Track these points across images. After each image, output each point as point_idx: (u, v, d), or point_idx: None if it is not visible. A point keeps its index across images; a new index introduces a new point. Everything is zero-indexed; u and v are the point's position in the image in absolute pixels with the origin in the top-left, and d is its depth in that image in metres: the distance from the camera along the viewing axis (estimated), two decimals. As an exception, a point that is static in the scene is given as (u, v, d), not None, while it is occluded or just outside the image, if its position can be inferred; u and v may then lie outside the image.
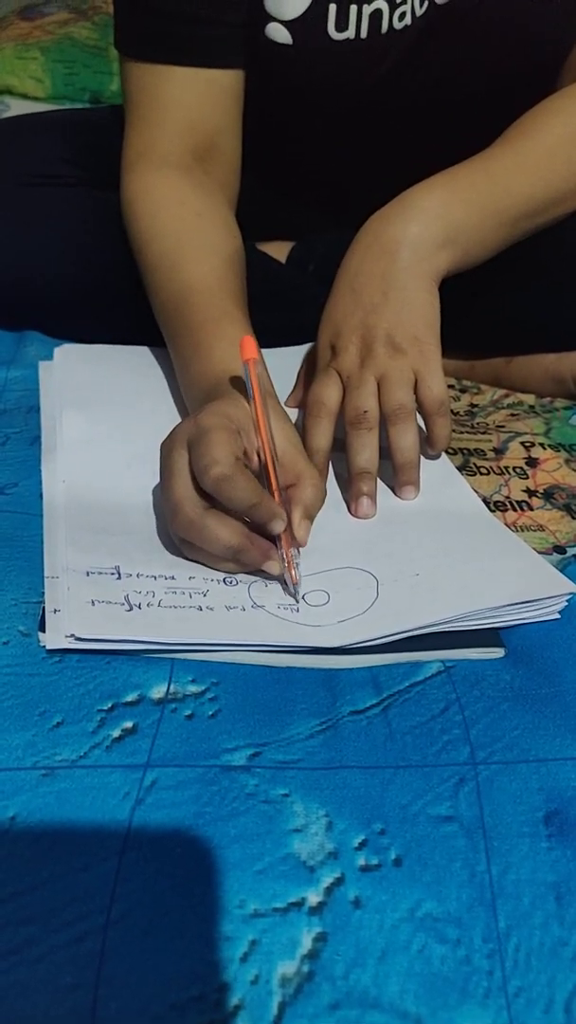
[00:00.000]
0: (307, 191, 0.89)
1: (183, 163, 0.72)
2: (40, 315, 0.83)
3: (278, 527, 0.51)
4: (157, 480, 0.54)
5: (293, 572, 0.51)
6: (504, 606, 0.51)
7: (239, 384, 0.57)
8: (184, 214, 0.71)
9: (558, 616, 0.53)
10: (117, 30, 0.73)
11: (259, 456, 0.53)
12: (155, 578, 0.51)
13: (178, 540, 0.53)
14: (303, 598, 0.51)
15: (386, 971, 0.35)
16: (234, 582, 0.52)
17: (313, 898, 0.37)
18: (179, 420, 0.57)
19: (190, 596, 0.50)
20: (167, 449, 0.53)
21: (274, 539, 0.52)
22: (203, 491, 0.50)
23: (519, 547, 0.57)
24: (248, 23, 0.70)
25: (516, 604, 0.51)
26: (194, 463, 0.50)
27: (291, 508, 0.53)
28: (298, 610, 0.50)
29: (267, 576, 0.52)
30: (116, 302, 0.79)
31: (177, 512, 0.50)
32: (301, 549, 0.54)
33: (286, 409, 0.60)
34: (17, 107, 1.51)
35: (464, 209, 0.64)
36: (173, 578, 0.51)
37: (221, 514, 0.51)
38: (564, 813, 0.41)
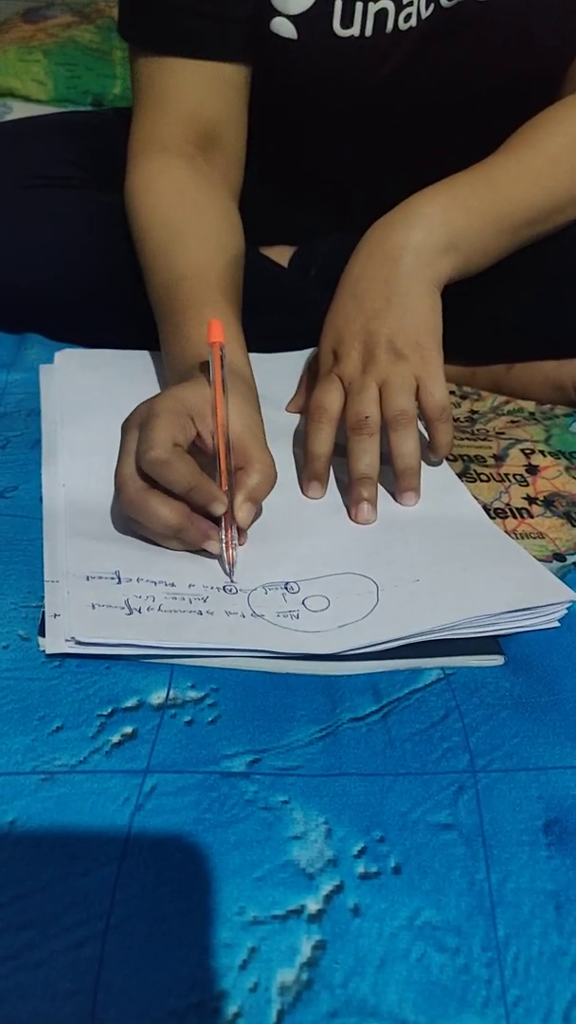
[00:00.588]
0: (310, 193, 0.89)
1: (185, 151, 0.73)
2: (41, 317, 0.83)
3: (218, 510, 0.53)
4: None
5: (230, 552, 0.53)
6: (503, 613, 0.51)
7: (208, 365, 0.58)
8: (184, 202, 0.72)
9: (558, 624, 0.53)
10: (121, 18, 0.73)
11: (214, 439, 0.55)
12: (155, 584, 0.51)
13: (126, 517, 0.54)
14: (303, 603, 0.51)
15: (385, 979, 0.35)
16: (233, 590, 0.52)
17: (312, 905, 0.37)
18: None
19: (190, 602, 0.50)
20: (123, 428, 0.55)
21: (217, 521, 0.54)
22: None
23: (519, 554, 0.57)
24: (254, 17, 0.70)
25: (516, 611, 0.51)
26: (136, 445, 0.52)
27: (235, 491, 0.54)
28: (298, 616, 0.50)
29: (210, 556, 0.54)
30: (118, 305, 0.79)
31: (120, 490, 0.53)
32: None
33: (274, 417, 0.61)
34: (19, 110, 1.51)
35: (466, 216, 0.65)
36: (173, 584, 0.51)
37: (162, 494, 0.52)
38: (564, 822, 0.41)
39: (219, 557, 0.54)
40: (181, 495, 0.52)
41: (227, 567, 0.53)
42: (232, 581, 0.53)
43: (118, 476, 0.53)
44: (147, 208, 0.72)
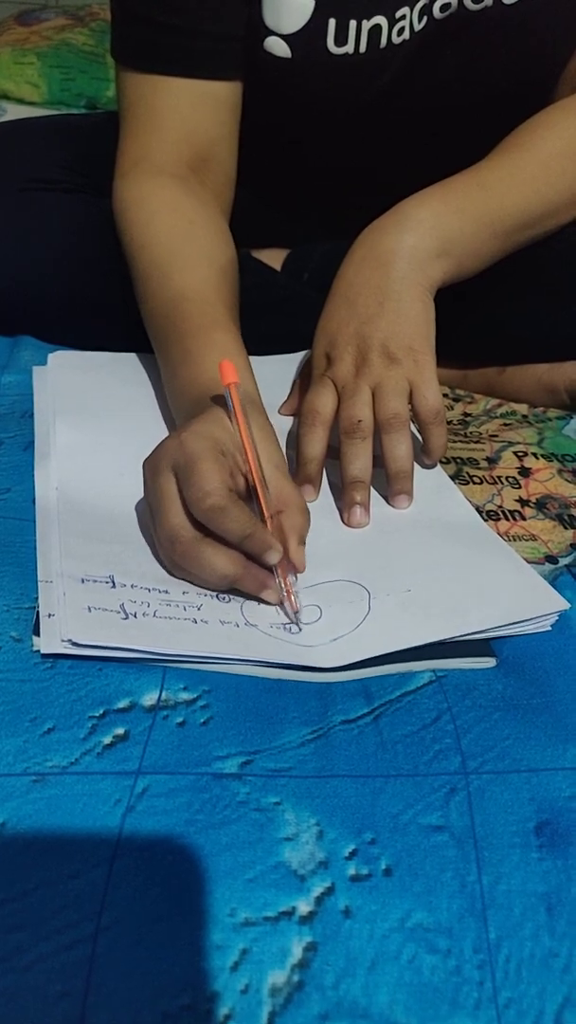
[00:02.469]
0: (304, 202, 0.89)
1: (178, 172, 0.72)
2: (34, 320, 0.83)
3: (273, 558, 0.50)
4: (149, 520, 0.53)
5: (292, 600, 0.51)
6: (494, 628, 0.51)
7: (224, 400, 0.56)
8: (178, 222, 0.71)
9: (549, 628, 0.53)
10: (114, 38, 0.73)
11: (246, 480, 0.53)
12: (149, 590, 0.51)
13: (170, 564, 0.52)
14: (295, 613, 0.51)
15: (376, 981, 0.35)
16: (227, 599, 0.52)
17: (303, 907, 0.37)
18: (173, 428, 0.57)
19: (184, 609, 0.50)
20: (152, 470, 0.52)
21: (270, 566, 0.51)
22: (194, 519, 0.49)
23: (511, 558, 0.57)
24: (247, 36, 0.70)
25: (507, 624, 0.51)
26: (186, 492, 0.49)
27: (285, 536, 0.52)
28: (290, 629, 0.50)
29: (263, 602, 0.52)
30: (111, 308, 0.79)
31: (172, 542, 0.50)
32: (299, 575, 0.53)
33: (271, 420, 0.59)
34: (13, 112, 1.52)
35: (458, 220, 0.65)
36: (167, 592, 0.51)
37: (216, 543, 0.50)
38: (555, 823, 0.41)
39: (279, 605, 0.51)
40: (235, 543, 0.50)
41: (292, 615, 0.50)
42: (300, 628, 0.50)
43: (165, 526, 0.50)
44: (140, 224, 0.71)
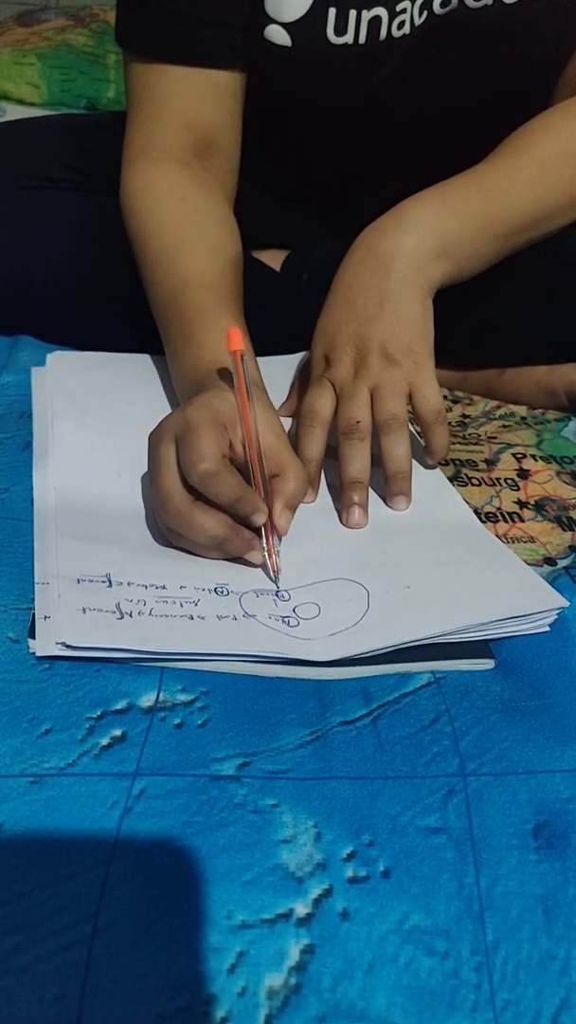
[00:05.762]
0: (304, 198, 0.89)
1: (183, 159, 0.73)
2: (33, 319, 0.83)
3: (259, 520, 0.53)
4: (149, 489, 0.54)
5: (274, 559, 0.54)
6: (494, 621, 0.51)
7: (227, 375, 0.58)
8: (184, 210, 0.71)
9: (548, 629, 0.53)
10: (119, 26, 0.73)
11: (244, 447, 0.55)
12: (146, 587, 0.51)
13: (165, 528, 0.54)
14: (294, 610, 0.51)
15: (373, 984, 0.35)
16: (225, 592, 0.52)
17: (301, 909, 0.37)
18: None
19: (181, 605, 0.50)
20: (155, 440, 0.54)
21: (257, 529, 0.54)
22: (189, 484, 0.52)
23: (510, 559, 0.57)
24: (249, 24, 0.70)
25: (506, 618, 0.51)
26: (182, 458, 0.52)
27: (273, 499, 0.55)
28: (288, 623, 0.50)
29: (250, 564, 0.54)
30: (111, 307, 0.79)
31: (166, 503, 0.52)
32: (284, 539, 0.56)
33: (271, 401, 0.61)
34: (13, 112, 1.52)
35: (458, 222, 0.65)
36: (164, 587, 0.51)
37: (207, 506, 0.52)
38: (553, 825, 0.41)
39: (262, 565, 0.54)
40: (226, 507, 0.52)
41: (272, 574, 0.54)
42: (278, 587, 0.53)
43: (160, 489, 0.52)
44: (146, 212, 0.72)
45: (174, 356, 0.66)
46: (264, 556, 0.54)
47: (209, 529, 0.52)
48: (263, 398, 0.60)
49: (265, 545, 0.54)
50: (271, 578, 0.54)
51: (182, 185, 0.72)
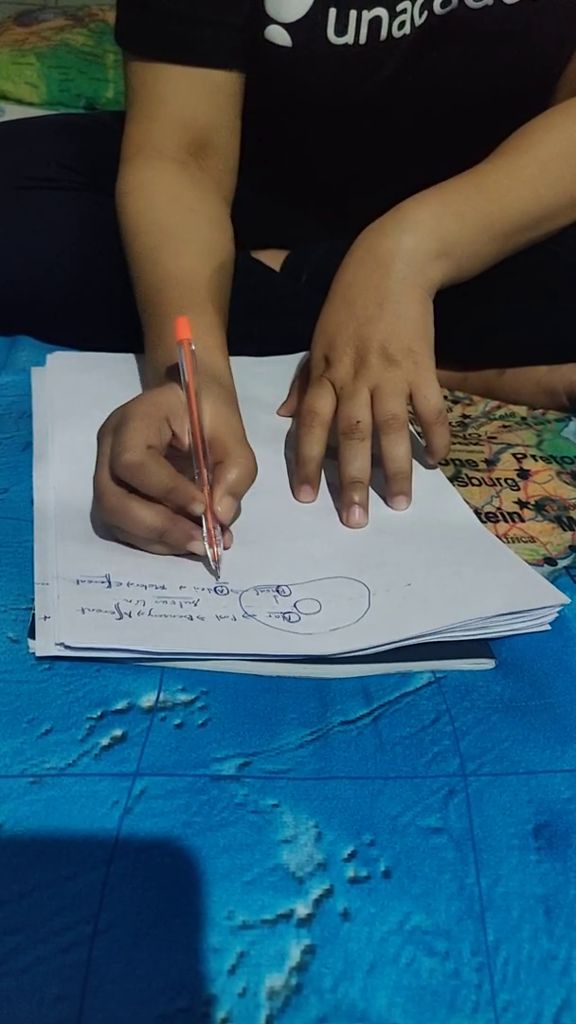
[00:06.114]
0: (304, 198, 0.89)
1: (178, 157, 0.73)
2: (32, 320, 0.83)
3: (198, 509, 0.52)
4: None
5: (214, 550, 0.52)
6: (494, 616, 0.51)
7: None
8: (176, 208, 0.72)
9: (548, 627, 0.53)
10: (118, 24, 0.73)
11: (189, 438, 0.54)
12: (145, 587, 0.51)
13: (108, 524, 0.54)
14: (295, 605, 0.51)
15: (374, 984, 0.35)
16: (225, 591, 0.52)
17: (302, 910, 0.37)
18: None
19: (180, 605, 0.50)
20: (99, 435, 0.54)
21: (199, 519, 0.53)
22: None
23: (510, 558, 0.57)
24: (248, 24, 0.70)
25: (506, 615, 0.51)
26: (110, 451, 0.52)
27: (214, 487, 0.54)
28: (289, 618, 0.50)
29: (196, 557, 0.53)
30: (110, 307, 0.79)
31: (99, 497, 0.52)
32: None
33: (270, 421, 0.60)
34: (12, 112, 1.52)
35: (457, 222, 0.65)
36: (163, 587, 0.51)
37: (142, 499, 0.52)
38: (553, 825, 0.41)
39: (204, 558, 0.53)
40: (160, 498, 0.52)
41: (212, 564, 0.52)
42: (219, 580, 0.52)
43: (96, 483, 0.52)
44: (138, 210, 0.72)
45: (148, 353, 0.66)
46: (205, 546, 0.52)
47: (145, 520, 0.51)
48: (218, 392, 0.58)
49: (206, 534, 0.52)
50: (211, 570, 0.53)
51: (176, 184, 0.73)
